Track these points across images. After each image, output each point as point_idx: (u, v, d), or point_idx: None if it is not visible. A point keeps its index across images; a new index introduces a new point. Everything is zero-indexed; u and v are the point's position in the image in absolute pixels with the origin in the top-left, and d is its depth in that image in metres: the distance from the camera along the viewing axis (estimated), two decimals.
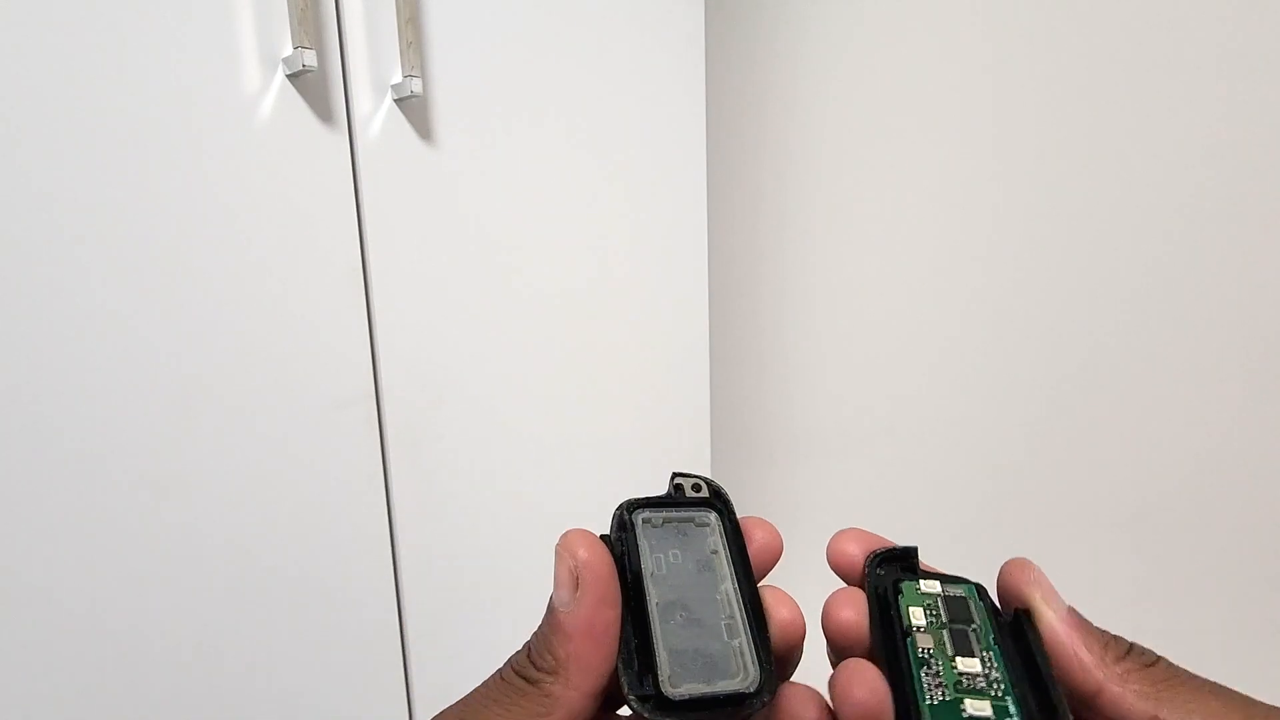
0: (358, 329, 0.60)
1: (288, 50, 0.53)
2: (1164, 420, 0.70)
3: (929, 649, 0.21)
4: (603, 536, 0.23)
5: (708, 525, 0.24)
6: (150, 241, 0.50)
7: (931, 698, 0.20)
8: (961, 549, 0.83)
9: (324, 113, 0.56)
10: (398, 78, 0.59)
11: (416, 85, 0.58)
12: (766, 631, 0.21)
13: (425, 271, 0.63)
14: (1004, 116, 0.75)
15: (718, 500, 0.24)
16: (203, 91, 0.51)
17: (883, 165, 0.85)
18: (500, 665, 0.22)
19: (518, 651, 0.22)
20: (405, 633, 0.66)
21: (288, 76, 0.54)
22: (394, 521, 0.64)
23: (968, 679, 0.20)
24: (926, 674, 0.20)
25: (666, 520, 0.23)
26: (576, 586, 0.21)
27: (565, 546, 0.22)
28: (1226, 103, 0.63)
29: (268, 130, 0.54)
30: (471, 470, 0.69)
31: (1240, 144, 0.63)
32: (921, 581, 0.23)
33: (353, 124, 0.58)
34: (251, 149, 0.53)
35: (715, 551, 0.23)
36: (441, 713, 0.21)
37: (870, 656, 0.22)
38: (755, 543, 0.24)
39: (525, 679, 0.21)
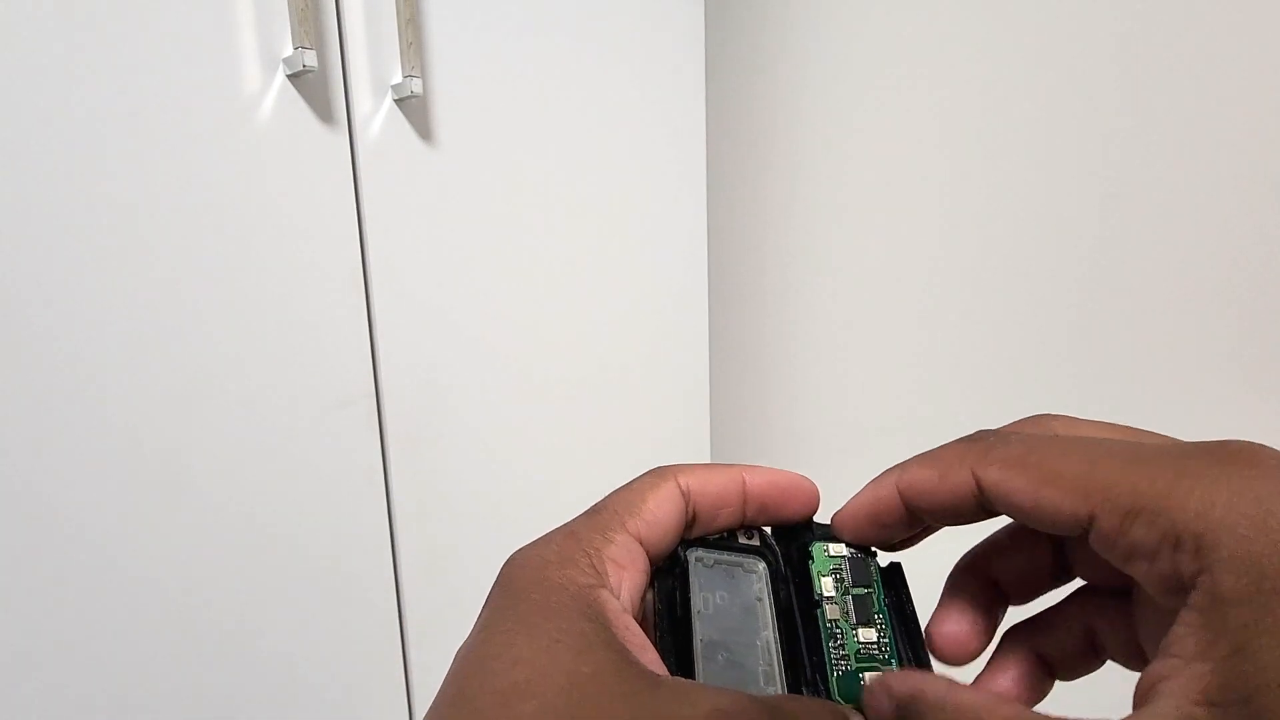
0: (358, 329, 0.60)
1: (288, 50, 0.53)
2: (1163, 423, 0.70)
3: (835, 620, 0.23)
4: (656, 570, 0.24)
5: (755, 573, 0.25)
6: (150, 241, 0.50)
7: (837, 670, 0.22)
8: (960, 548, 0.83)
9: (324, 113, 0.56)
10: (398, 78, 0.59)
11: (417, 85, 0.58)
12: (800, 688, 0.22)
13: (425, 271, 0.63)
14: (1005, 115, 0.75)
15: (767, 549, 0.25)
16: (203, 92, 0.51)
17: (884, 164, 0.85)
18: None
19: None
20: (405, 633, 0.66)
21: (288, 77, 0.54)
22: (394, 521, 0.64)
23: (865, 648, 0.23)
24: (833, 646, 0.23)
25: (718, 562, 0.25)
26: None
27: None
28: (1224, 103, 0.63)
29: (268, 130, 0.54)
30: (471, 470, 0.69)
31: (1235, 144, 0.63)
32: (830, 545, 0.25)
33: (353, 124, 0.58)
34: (252, 149, 0.53)
35: (760, 599, 0.24)
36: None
37: (786, 617, 0.24)
38: (797, 501, 0.25)
39: None
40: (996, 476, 0.21)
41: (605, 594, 0.21)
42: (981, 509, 0.22)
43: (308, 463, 0.59)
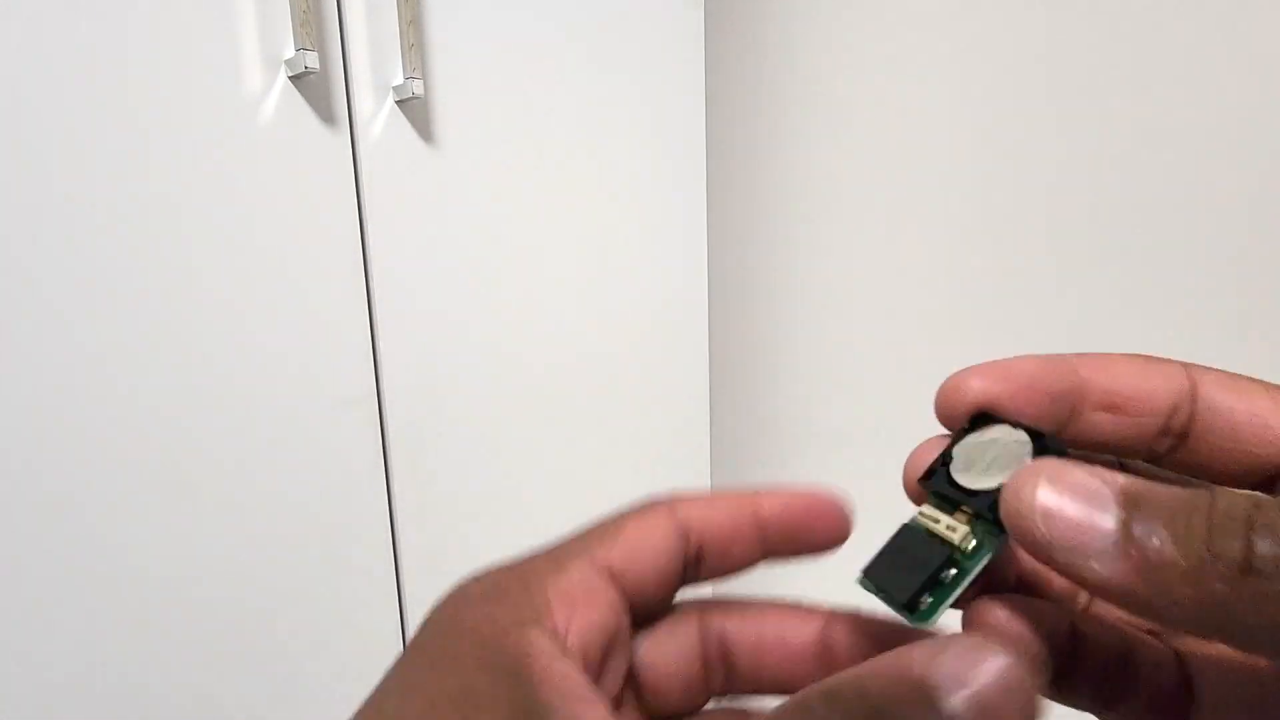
0: (359, 329, 0.60)
1: (290, 52, 0.54)
2: None
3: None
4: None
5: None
6: (152, 242, 0.51)
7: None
8: None
9: (326, 114, 0.56)
10: (399, 79, 0.59)
11: (418, 87, 0.58)
12: None
13: (427, 272, 0.63)
14: (1006, 115, 0.76)
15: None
16: (205, 93, 0.51)
17: (883, 164, 0.85)
18: None
19: None
20: (406, 633, 0.66)
21: (290, 78, 0.54)
22: (394, 521, 0.64)
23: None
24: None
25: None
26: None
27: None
28: (1227, 106, 0.63)
29: (270, 132, 0.54)
30: (472, 470, 0.69)
31: (1238, 151, 0.63)
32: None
33: (354, 125, 0.58)
34: (254, 150, 0.54)
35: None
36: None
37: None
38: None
39: None
40: (1215, 385, 0.17)
41: (535, 634, 0.16)
42: (1166, 431, 0.18)
43: (309, 463, 0.59)
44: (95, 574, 0.51)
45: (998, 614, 0.17)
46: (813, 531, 0.20)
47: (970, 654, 0.13)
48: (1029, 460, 0.17)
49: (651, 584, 0.19)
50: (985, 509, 0.17)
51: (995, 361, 0.19)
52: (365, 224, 0.60)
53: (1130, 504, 0.14)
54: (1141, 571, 0.14)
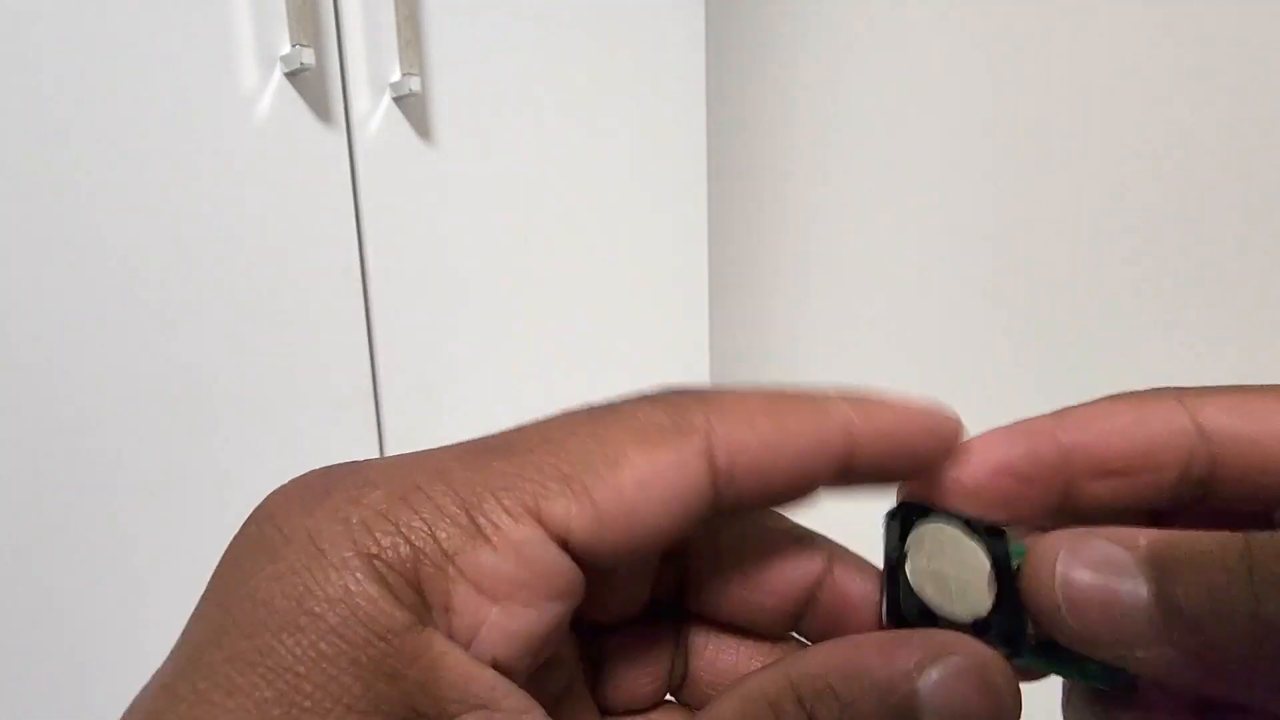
0: (356, 328, 0.60)
1: (286, 48, 0.53)
2: None
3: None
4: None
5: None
6: (147, 240, 0.50)
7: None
8: None
9: (322, 111, 0.56)
10: (396, 76, 0.59)
11: (415, 84, 0.58)
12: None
13: (424, 270, 0.63)
14: (1007, 113, 0.75)
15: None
16: (200, 90, 0.51)
17: (885, 163, 0.85)
18: None
19: None
20: None
21: (286, 75, 0.54)
22: None
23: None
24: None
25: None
26: None
27: None
28: (1227, 105, 0.62)
29: (266, 129, 0.54)
30: None
31: (1238, 150, 0.62)
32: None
33: (351, 122, 0.58)
34: (249, 147, 0.53)
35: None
36: None
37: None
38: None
39: None
40: (1221, 413, 0.14)
41: (434, 641, 0.11)
42: (1184, 479, 0.14)
43: (305, 464, 0.58)
44: (90, 574, 0.50)
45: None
46: (919, 454, 0.15)
47: (935, 650, 0.12)
48: (987, 567, 0.15)
49: (640, 559, 0.13)
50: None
51: (956, 450, 0.16)
52: (362, 222, 0.59)
53: (1158, 569, 0.12)
54: (1191, 651, 0.11)
